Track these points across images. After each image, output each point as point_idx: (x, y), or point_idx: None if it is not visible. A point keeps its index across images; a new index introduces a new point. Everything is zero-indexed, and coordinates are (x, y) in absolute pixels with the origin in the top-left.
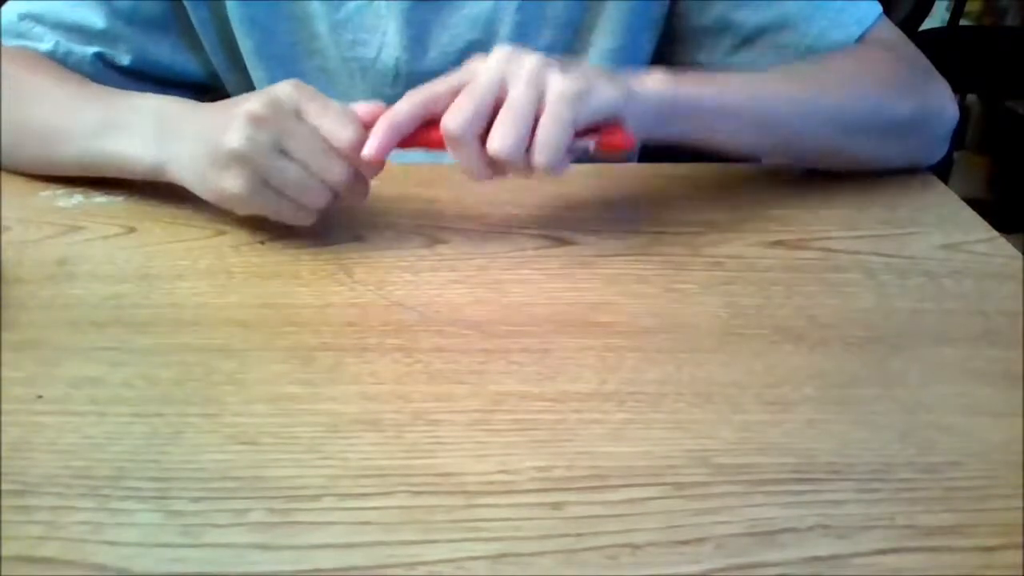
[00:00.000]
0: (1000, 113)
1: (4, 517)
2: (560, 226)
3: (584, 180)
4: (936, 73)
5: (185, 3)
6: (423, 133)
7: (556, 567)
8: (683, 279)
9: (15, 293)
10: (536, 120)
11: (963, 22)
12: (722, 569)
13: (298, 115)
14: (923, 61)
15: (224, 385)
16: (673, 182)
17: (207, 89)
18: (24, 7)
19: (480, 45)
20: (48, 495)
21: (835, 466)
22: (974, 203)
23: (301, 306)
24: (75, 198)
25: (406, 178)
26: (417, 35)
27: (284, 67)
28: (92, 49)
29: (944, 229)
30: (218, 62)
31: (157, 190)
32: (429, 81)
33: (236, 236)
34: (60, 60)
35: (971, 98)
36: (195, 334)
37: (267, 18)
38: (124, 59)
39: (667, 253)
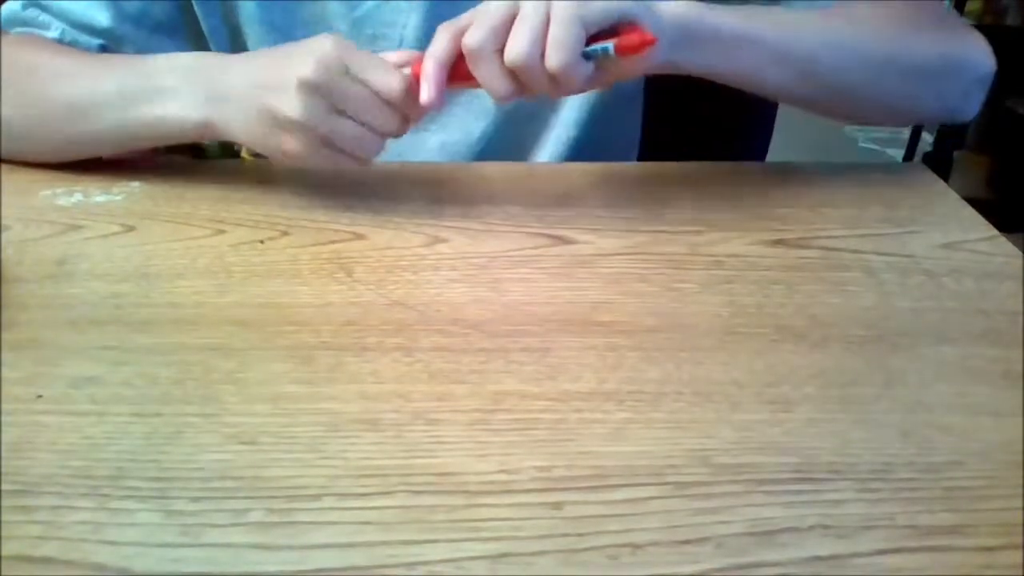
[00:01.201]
0: (1000, 113)
1: (4, 517)
2: (560, 226)
3: (584, 179)
4: (966, 24)
5: (196, 8)
6: (459, 68)
7: (556, 567)
8: (683, 278)
9: (15, 292)
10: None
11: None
12: (722, 569)
13: (347, 73)
14: (948, 12)
15: (224, 384)
16: (673, 182)
17: None
18: None
19: None
20: (48, 495)
21: (835, 465)
22: (974, 202)
23: (301, 305)
24: (75, 197)
25: (406, 178)
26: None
27: None
28: (97, 41)
29: (944, 228)
30: None
31: (157, 189)
32: None
33: (236, 236)
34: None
35: None
36: (195, 333)
37: (284, 21)
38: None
39: (667, 252)
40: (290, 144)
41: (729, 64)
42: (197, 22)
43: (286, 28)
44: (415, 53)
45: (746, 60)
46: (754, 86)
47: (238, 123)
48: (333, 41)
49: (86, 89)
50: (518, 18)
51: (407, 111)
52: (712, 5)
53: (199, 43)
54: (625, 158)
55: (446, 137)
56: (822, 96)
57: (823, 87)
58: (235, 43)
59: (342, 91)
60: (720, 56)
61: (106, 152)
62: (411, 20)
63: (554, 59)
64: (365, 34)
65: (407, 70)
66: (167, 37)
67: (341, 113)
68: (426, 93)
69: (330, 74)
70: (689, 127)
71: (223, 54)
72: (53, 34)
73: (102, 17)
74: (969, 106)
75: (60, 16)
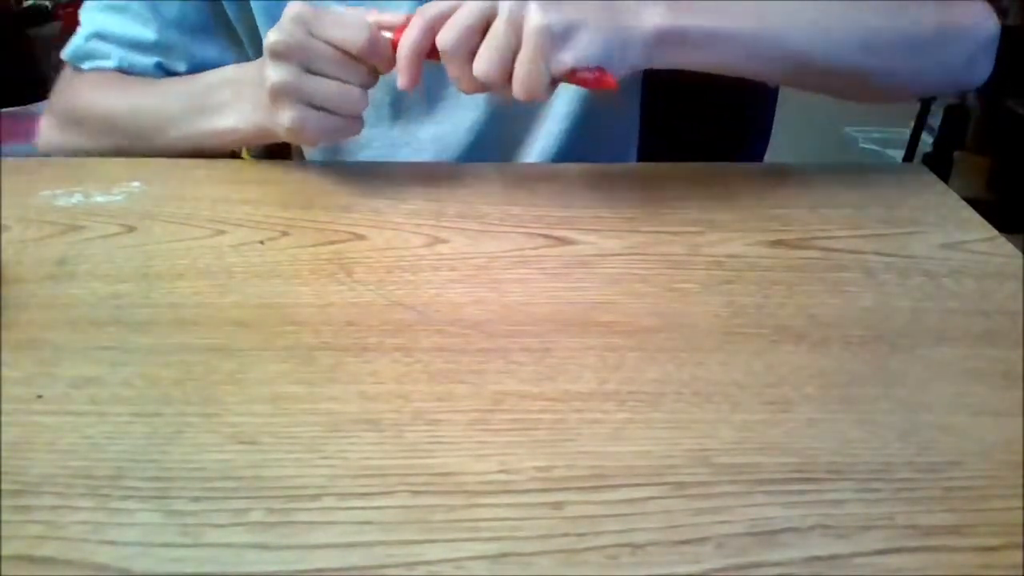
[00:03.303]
0: (1000, 113)
1: (4, 517)
2: (560, 226)
3: (584, 180)
4: None
5: (224, 4)
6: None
7: (556, 567)
8: (683, 279)
9: (15, 293)
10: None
11: None
12: (722, 569)
13: (313, 34)
14: None
15: (224, 385)
16: (673, 182)
17: None
18: (90, 27)
19: None
20: (48, 495)
21: (835, 466)
22: (974, 203)
23: (301, 306)
24: (75, 198)
25: (406, 178)
26: None
27: None
28: (152, 59)
29: (944, 228)
30: (254, 56)
31: (157, 189)
32: None
33: (236, 236)
34: (127, 72)
35: (971, 98)
36: (195, 334)
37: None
38: (180, 66)
39: (667, 253)
40: (284, 115)
41: (716, 61)
42: (226, 16)
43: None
44: (401, 17)
45: (733, 57)
46: (747, 76)
47: (250, 117)
48: (297, 6)
49: (151, 114)
50: (489, 35)
51: (375, 63)
52: (689, 3)
53: (234, 37)
54: (621, 154)
55: (437, 129)
56: (816, 82)
57: (817, 74)
58: (252, 34)
59: (306, 49)
60: (705, 56)
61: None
62: (403, 8)
63: (519, 92)
64: None
65: (389, 34)
66: (208, 37)
67: (313, 72)
68: (401, 81)
69: (293, 36)
70: (688, 127)
71: (260, 61)
72: (112, 63)
73: (149, 32)
74: (977, 73)
75: (117, 42)
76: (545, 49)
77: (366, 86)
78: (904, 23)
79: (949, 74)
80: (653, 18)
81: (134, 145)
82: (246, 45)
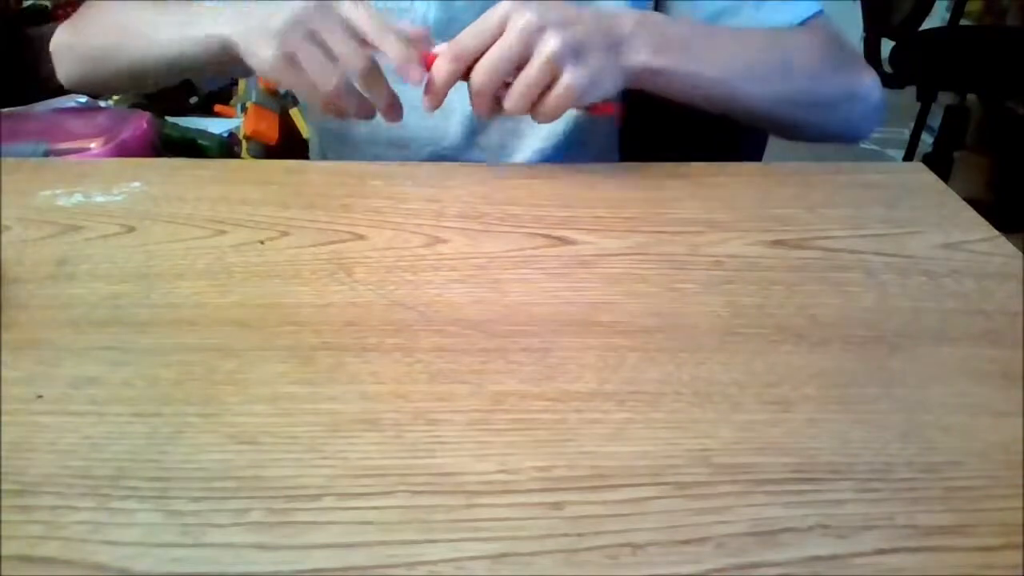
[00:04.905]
0: (1000, 113)
1: (4, 517)
2: (560, 226)
3: (584, 180)
4: (864, 62)
5: None
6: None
7: (556, 567)
8: (683, 279)
9: (15, 293)
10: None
11: (963, 22)
12: (722, 569)
13: (340, 18)
14: (853, 51)
15: (224, 385)
16: (674, 182)
17: None
18: None
19: None
20: (48, 495)
21: (835, 466)
22: (974, 203)
23: (301, 306)
24: (75, 197)
25: (406, 178)
26: None
27: None
28: None
29: (944, 228)
30: None
31: (157, 189)
32: (458, 27)
33: (236, 236)
34: None
35: (971, 98)
36: (195, 334)
37: None
38: None
39: (667, 253)
40: (262, 51)
41: (677, 95)
42: None
43: None
44: (424, 31)
45: (690, 95)
46: (693, 101)
47: (241, 34)
48: None
49: (149, 20)
50: (522, 82)
51: (407, 76)
52: (669, 45)
53: None
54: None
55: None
56: (743, 117)
57: (744, 112)
58: None
59: (326, 27)
60: (671, 91)
61: (156, 75)
62: (430, 12)
63: (542, 120)
64: None
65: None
66: None
67: (318, 43)
68: (427, 103)
69: (325, 12)
70: (685, 126)
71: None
72: None
73: None
74: (867, 128)
75: None
76: (573, 100)
77: (353, 68)
78: (820, 87)
79: (847, 126)
80: (645, 58)
81: (113, 55)
82: None
